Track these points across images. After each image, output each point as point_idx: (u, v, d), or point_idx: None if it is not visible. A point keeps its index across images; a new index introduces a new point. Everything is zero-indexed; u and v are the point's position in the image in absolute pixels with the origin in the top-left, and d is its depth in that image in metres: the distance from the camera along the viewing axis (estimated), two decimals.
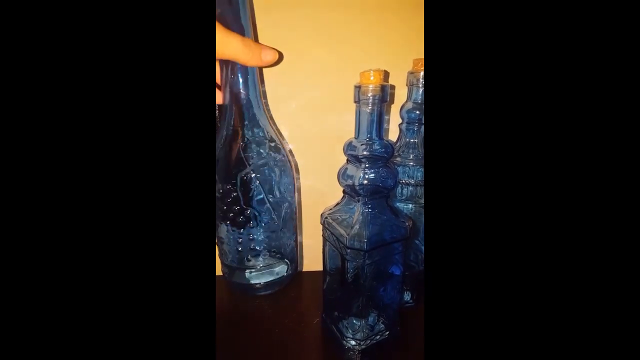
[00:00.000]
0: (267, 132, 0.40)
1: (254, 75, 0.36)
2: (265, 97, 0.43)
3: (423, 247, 0.45)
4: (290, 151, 0.46)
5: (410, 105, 0.39)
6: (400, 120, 0.40)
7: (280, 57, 0.39)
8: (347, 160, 0.34)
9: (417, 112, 0.38)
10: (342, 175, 0.34)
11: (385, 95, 0.30)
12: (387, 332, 0.39)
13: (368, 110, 0.30)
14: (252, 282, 0.44)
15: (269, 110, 0.43)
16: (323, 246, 0.39)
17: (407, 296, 0.46)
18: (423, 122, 0.39)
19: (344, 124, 0.45)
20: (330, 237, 0.36)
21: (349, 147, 0.32)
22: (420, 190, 0.40)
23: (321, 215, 0.38)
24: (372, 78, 0.29)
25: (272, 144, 0.40)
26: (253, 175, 0.39)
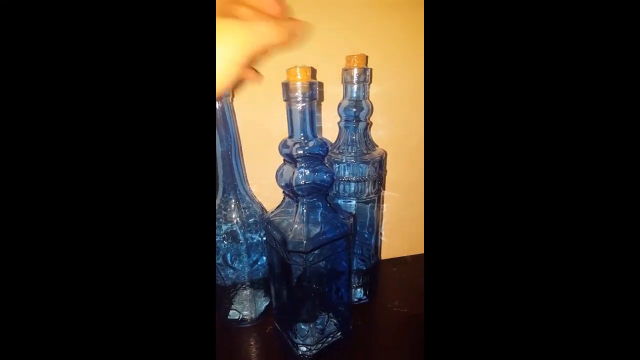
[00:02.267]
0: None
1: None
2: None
3: (373, 240, 0.45)
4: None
5: (346, 102, 0.39)
6: (339, 118, 0.40)
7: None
8: (284, 160, 0.33)
9: (354, 109, 0.38)
10: (279, 176, 0.33)
11: (314, 93, 0.29)
12: (339, 333, 0.39)
13: (299, 109, 0.30)
14: None
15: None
16: (267, 251, 0.37)
17: (359, 293, 0.46)
18: (360, 119, 0.39)
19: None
20: (272, 242, 0.35)
21: (283, 147, 0.31)
22: (362, 186, 0.40)
23: (262, 219, 0.37)
24: (299, 76, 0.28)
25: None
26: None
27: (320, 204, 0.33)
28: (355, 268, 0.45)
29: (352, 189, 0.40)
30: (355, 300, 0.45)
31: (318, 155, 0.31)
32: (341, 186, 0.41)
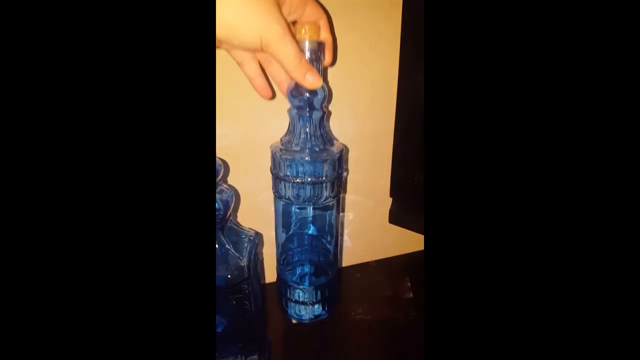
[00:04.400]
0: None
1: None
2: None
3: (332, 249, 0.39)
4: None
5: (294, 83, 0.30)
6: (289, 106, 0.32)
7: None
8: None
9: (306, 94, 0.30)
10: None
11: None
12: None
13: None
14: None
15: None
16: None
17: (317, 309, 0.39)
18: (315, 106, 0.31)
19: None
20: None
21: None
22: (319, 189, 0.33)
23: None
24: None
25: None
26: None
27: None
28: (309, 283, 0.38)
29: (308, 193, 0.33)
30: (313, 317, 0.39)
31: None
32: (293, 190, 0.33)
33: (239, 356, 0.32)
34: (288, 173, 0.32)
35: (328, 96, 0.33)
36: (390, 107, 0.42)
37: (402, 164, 0.45)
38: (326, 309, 0.40)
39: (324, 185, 0.33)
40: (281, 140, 0.34)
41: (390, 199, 0.48)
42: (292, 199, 0.34)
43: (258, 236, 0.34)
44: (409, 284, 0.47)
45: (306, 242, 0.39)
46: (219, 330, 0.30)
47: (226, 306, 0.29)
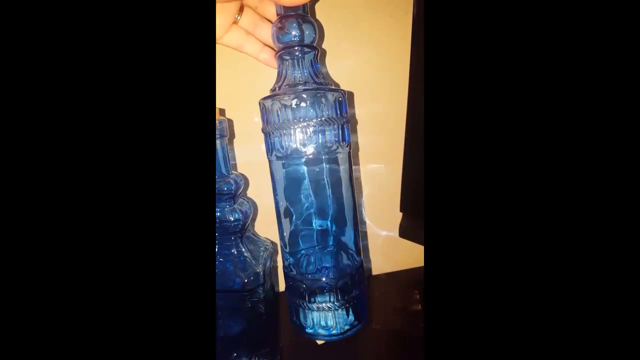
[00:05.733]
0: None
1: None
2: None
3: (352, 233, 0.33)
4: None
5: (278, 24, 0.29)
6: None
7: None
8: None
9: (293, 31, 0.28)
10: None
11: (223, 130, 0.28)
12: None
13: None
14: None
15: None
16: None
17: (343, 316, 0.32)
18: (306, 41, 0.29)
19: None
20: None
21: None
22: (322, 133, 0.29)
23: None
24: None
25: None
26: None
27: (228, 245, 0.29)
28: (330, 279, 0.31)
29: (313, 138, 0.28)
30: (346, 329, 0.30)
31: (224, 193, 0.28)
32: (295, 140, 0.28)
33: (252, 358, 0.33)
34: (283, 118, 0.28)
35: (318, 31, 0.30)
36: (401, 121, 0.44)
37: (412, 178, 0.46)
38: (358, 315, 0.31)
39: (329, 128, 0.28)
40: (270, 91, 0.30)
41: (401, 213, 0.49)
42: (289, 152, 0.28)
43: (274, 245, 0.37)
44: (417, 297, 0.48)
45: (316, 217, 0.31)
46: (234, 331, 0.33)
47: (241, 309, 0.32)
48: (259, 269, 0.32)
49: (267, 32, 0.31)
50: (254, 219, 0.42)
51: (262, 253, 0.34)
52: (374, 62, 0.42)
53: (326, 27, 0.38)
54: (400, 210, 0.49)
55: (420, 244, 0.49)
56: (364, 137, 0.45)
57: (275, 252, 0.41)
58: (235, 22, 0.29)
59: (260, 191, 0.41)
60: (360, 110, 0.43)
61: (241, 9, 0.30)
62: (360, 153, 0.45)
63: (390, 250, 0.51)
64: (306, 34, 0.28)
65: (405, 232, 0.49)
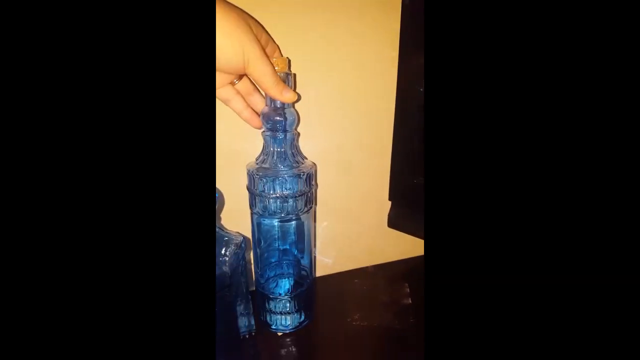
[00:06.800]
0: None
1: None
2: None
3: (307, 257, 0.40)
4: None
5: (268, 110, 0.33)
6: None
7: None
8: None
9: (277, 117, 0.33)
10: None
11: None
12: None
13: None
14: None
15: None
16: None
17: (295, 319, 0.39)
18: (287, 129, 0.33)
19: None
20: None
21: None
22: (292, 203, 0.35)
23: None
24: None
25: None
26: None
27: None
28: (287, 291, 0.40)
29: (282, 206, 0.35)
30: (298, 325, 0.40)
31: None
32: (269, 205, 0.35)
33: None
34: (265, 189, 0.34)
35: (297, 119, 0.35)
36: (389, 111, 0.43)
37: (401, 168, 0.44)
38: (308, 315, 0.40)
39: (297, 199, 0.35)
40: (256, 160, 0.36)
41: (389, 202, 0.47)
42: (268, 213, 0.36)
43: (245, 240, 0.36)
44: (407, 290, 0.46)
45: (283, 254, 0.41)
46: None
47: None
48: (226, 268, 0.32)
49: (257, 100, 0.35)
50: (221, 211, 0.39)
51: (231, 249, 0.33)
52: (363, 59, 0.41)
53: (314, 28, 0.39)
54: (389, 199, 0.47)
55: (409, 234, 0.48)
56: (354, 125, 0.43)
57: (248, 247, 0.39)
58: (232, 84, 0.33)
59: (229, 181, 0.37)
60: (350, 104, 0.42)
61: (241, 76, 0.34)
62: (349, 145, 0.44)
63: (377, 241, 0.50)
64: (289, 120, 0.34)
65: (394, 222, 0.48)
